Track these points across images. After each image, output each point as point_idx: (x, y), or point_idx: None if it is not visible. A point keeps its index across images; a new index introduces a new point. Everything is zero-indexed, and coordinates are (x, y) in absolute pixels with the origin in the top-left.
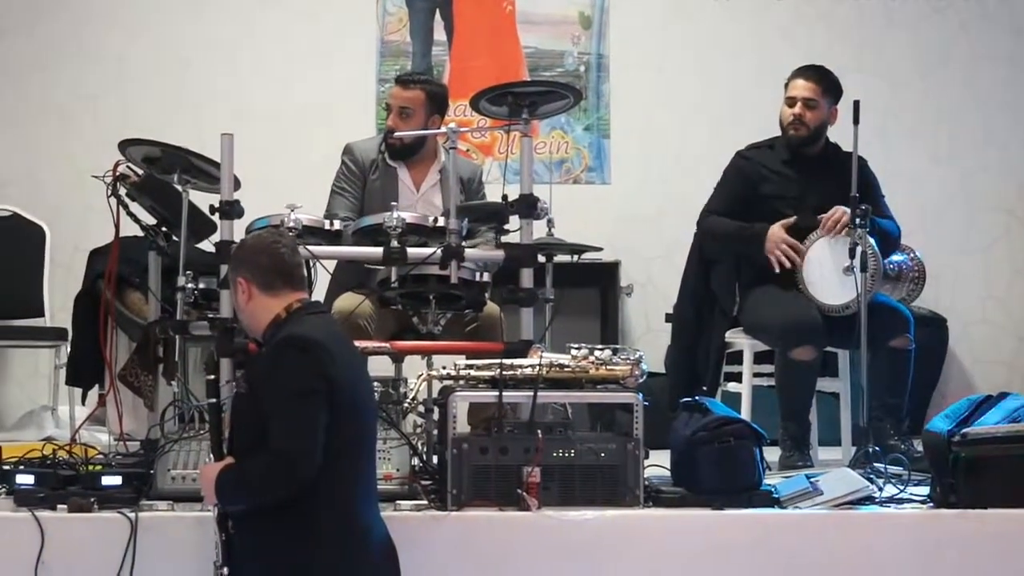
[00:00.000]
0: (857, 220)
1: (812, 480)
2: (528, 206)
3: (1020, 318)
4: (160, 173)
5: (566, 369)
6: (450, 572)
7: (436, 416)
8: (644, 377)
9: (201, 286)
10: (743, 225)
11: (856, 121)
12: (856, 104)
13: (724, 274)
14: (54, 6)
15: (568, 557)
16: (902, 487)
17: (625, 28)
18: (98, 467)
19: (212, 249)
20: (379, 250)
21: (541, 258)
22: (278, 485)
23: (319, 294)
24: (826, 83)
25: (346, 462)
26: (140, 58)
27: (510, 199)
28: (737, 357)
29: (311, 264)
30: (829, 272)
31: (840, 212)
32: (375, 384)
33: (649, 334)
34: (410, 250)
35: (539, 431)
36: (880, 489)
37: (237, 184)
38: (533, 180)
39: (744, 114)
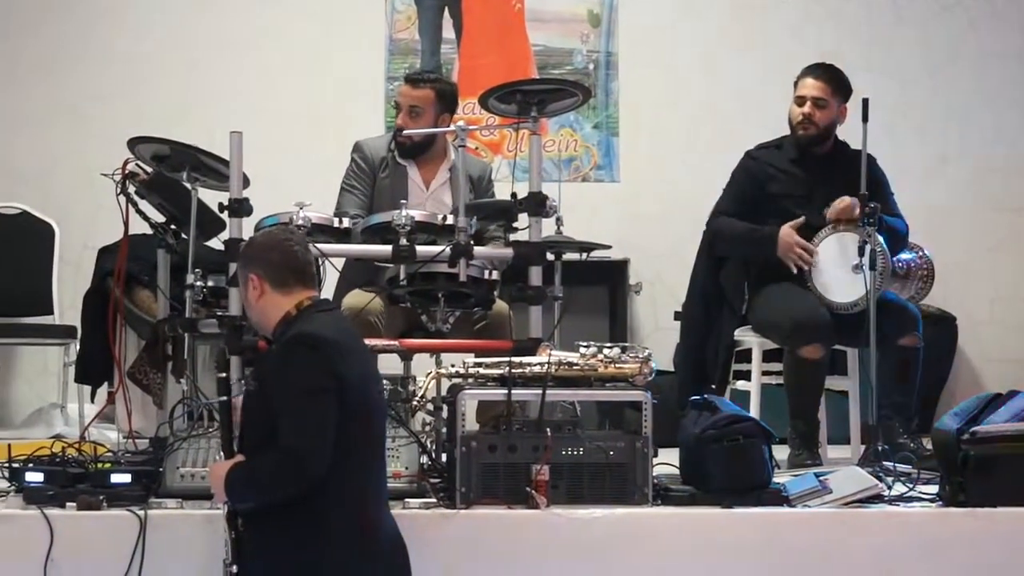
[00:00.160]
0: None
1: (821, 478)
2: (537, 204)
3: None
4: (169, 171)
5: (575, 367)
6: (459, 570)
7: (445, 414)
8: (653, 375)
9: (210, 284)
10: (753, 227)
11: (865, 119)
12: (865, 102)
13: (733, 272)
14: (63, 6)
15: (577, 555)
16: (911, 485)
17: (634, 26)
18: (107, 465)
19: (221, 247)
20: (388, 248)
21: (550, 256)
22: (288, 483)
23: (328, 292)
24: (836, 82)
25: (356, 460)
26: (149, 57)
27: (519, 197)
28: (746, 355)
29: (320, 262)
30: (838, 270)
31: (846, 201)
32: (384, 382)
33: (658, 332)
34: (419, 248)
35: (548, 429)
36: (889, 487)
37: (246, 182)
38: (542, 178)
39: (753, 112)
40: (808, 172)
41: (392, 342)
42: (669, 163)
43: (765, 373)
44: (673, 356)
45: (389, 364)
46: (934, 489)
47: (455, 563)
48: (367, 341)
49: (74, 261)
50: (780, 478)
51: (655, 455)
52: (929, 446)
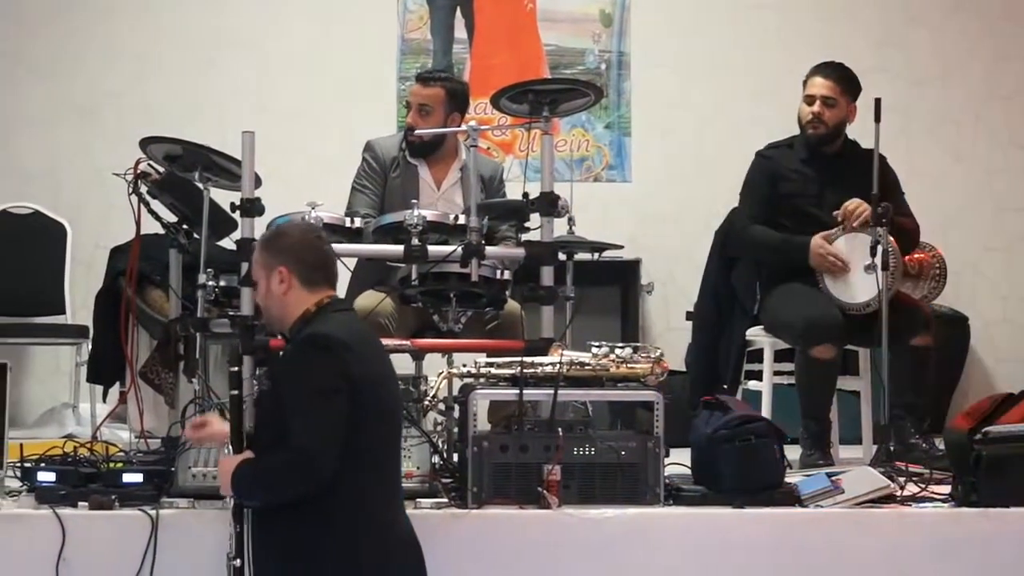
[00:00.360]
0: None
1: (833, 478)
2: (549, 204)
3: None
4: (181, 171)
5: (586, 367)
6: (470, 570)
7: (456, 414)
8: (664, 375)
9: (222, 283)
10: (786, 238)
11: (878, 119)
12: (877, 102)
13: (745, 272)
14: (75, 4)
15: (588, 555)
16: (923, 486)
17: (646, 26)
18: (119, 464)
19: (233, 247)
20: (400, 248)
21: (562, 256)
22: (295, 482)
23: (340, 292)
24: (845, 81)
25: (370, 460)
26: (161, 56)
27: (531, 197)
28: (758, 355)
29: None
30: (850, 270)
31: (856, 204)
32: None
33: (669, 332)
34: (431, 248)
35: (559, 429)
36: (901, 488)
37: (258, 182)
38: (554, 178)
39: (765, 112)
40: (819, 172)
41: (404, 342)
42: (681, 163)
43: (777, 373)
44: (685, 356)
45: (401, 364)
46: (946, 489)
47: (466, 563)
48: None
49: (86, 261)
50: (792, 478)
51: (667, 455)
52: (941, 446)
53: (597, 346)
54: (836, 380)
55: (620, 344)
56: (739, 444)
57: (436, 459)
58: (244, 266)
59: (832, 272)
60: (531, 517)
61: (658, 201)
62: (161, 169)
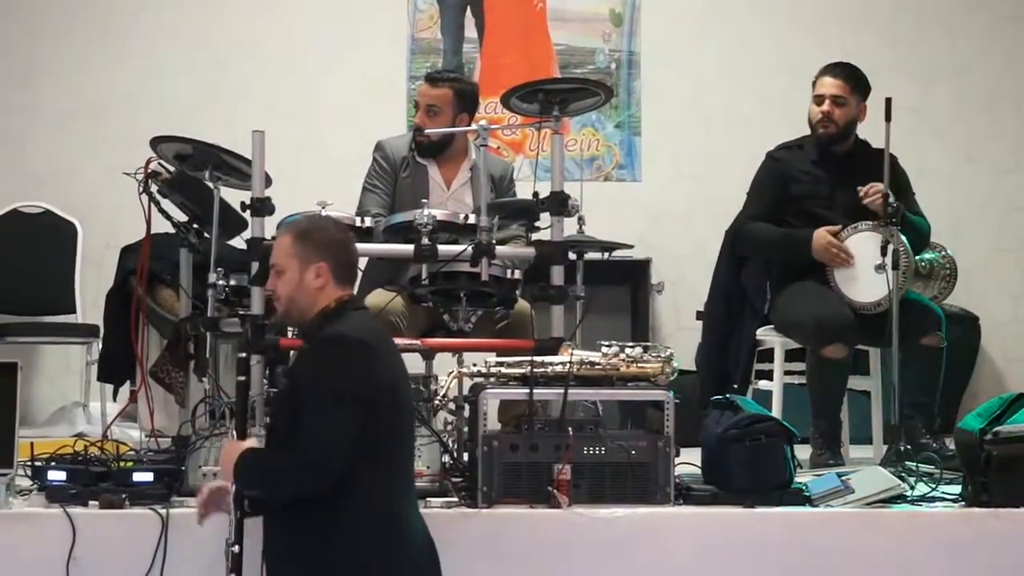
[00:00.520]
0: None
1: (843, 478)
2: (559, 203)
3: None
4: (191, 170)
5: (597, 367)
6: (480, 569)
7: (467, 413)
8: (675, 375)
9: (232, 283)
10: (788, 232)
11: (888, 118)
12: (888, 101)
13: (755, 272)
14: (86, 5)
15: (598, 555)
16: (934, 486)
17: (656, 25)
18: (129, 463)
19: (243, 246)
20: (410, 247)
21: (572, 255)
22: (298, 484)
23: None
24: (854, 80)
25: (389, 461)
26: (172, 56)
27: (541, 196)
28: (768, 355)
29: None
30: (860, 270)
31: (878, 187)
32: None
33: (680, 332)
34: (441, 247)
35: (570, 428)
36: (912, 488)
37: (268, 181)
38: (564, 177)
39: (776, 112)
40: (830, 173)
41: (414, 341)
42: (691, 162)
43: (787, 373)
44: (695, 355)
45: (411, 363)
46: (957, 489)
47: (477, 562)
48: None
49: (97, 260)
50: (802, 478)
51: (677, 454)
52: (952, 446)
53: (607, 345)
54: (847, 380)
55: (630, 343)
56: (749, 444)
57: (446, 458)
58: (254, 265)
59: (837, 264)
60: (541, 516)
61: (668, 200)
62: (171, 168)
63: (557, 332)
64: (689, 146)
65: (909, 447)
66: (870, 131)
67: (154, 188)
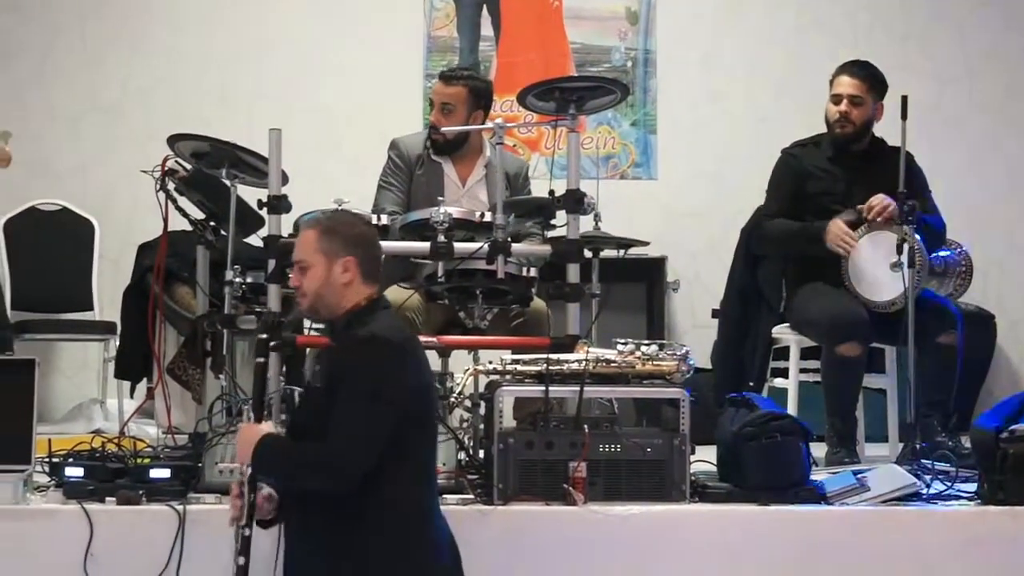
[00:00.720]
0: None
1: (859, 476)
2: (575, 201)
3: None
4: (208, 168)
5: (612, 364)
6: (496, 566)
7: (483, 411)
8: (690, 372)
9: (249, 280)
10: (806, 224)
11: (904, 116)
12: (904, 99)
13: (771, 270)
14: (103, 2)
15: (613, 552)
16: (949, 484)
17: (672, 24)
18: (146, 460)
19: (260, 243)
20: (426, 245)
21: (587, 253)
22: (319, 479)
23: None
24: (872, 79)
25: (419, 463)
26: (189, 53)
27: (556, 194)
28: (784, 353)
29: None
30: (876, 268)
31: (879, 200)
32: None
33: (695, 329)
34: (457, 245)
35: (585, 426)
36: (927, 486)
37: (285, 179)
38: (580, 175)
39: (791, 110)
40: (846, 171)
41: (430, 338)
42: (707, 161)
43: (803, 371)
44: (711, 353)
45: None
46: (972, 487)
47: (492, 559)
48: None
49: (114, 257)
50: (818, 476)
51: (692, 452)
52: (968, 444)
53: (623, 343)
54: (862, 378)
55: (646, 341)
56: (765, 441)
57: (462, 455)
58: (271, 263)
59: (838, 247)
60: (557, 514)
61: (684, 198)
62: (188, 166)
63: (573, 330)
64: (705, 144)
65: (925, 445)
66: (886, 129)
67: (171, 186)
